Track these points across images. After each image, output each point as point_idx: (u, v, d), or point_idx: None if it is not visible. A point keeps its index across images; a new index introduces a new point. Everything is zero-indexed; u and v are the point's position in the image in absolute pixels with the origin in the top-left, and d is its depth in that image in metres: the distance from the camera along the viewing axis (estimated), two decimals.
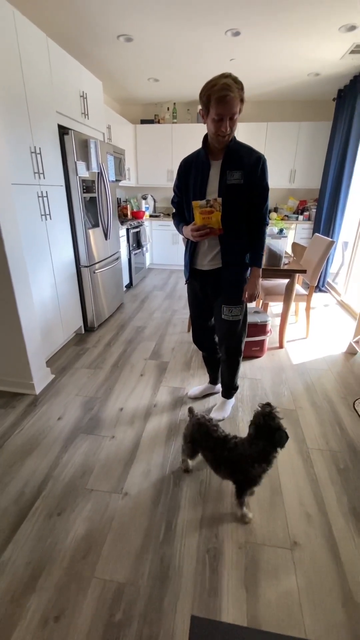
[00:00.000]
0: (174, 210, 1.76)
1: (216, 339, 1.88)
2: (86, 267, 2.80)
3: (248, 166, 1.45)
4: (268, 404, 1.21)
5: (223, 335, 1.75)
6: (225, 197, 1.45)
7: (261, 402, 1.29)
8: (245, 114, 4.86)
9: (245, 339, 1.79)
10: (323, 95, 4.51)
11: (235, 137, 1.47)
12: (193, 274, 1.71)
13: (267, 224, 1.60)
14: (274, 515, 1.35)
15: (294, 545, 1.23)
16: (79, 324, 2.93)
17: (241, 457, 1.24)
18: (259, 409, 1.21)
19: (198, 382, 2.25)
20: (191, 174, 1.55)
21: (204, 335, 1.91)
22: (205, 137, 1.50)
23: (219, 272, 1.62)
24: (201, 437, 1.36)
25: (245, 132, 4.67)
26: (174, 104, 4.89)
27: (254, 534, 1.27)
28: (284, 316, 2.69)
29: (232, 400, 2.00)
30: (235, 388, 1.94)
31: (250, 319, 2.45)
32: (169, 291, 4.26)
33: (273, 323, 3.15)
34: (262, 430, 1.18)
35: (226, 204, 1.46)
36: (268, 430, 1.16)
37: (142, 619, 1.02)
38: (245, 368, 2.43)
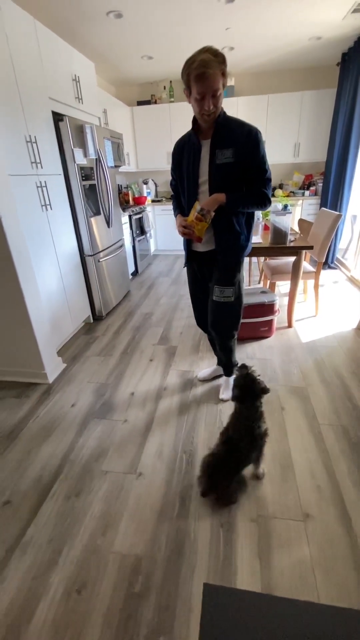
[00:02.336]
0: (172, 194, 1.73)
1: None
2: (90, 256, 2.80)
3: (239, 142, 1.37)
4: (243, 366, 1.33)
5: (213, 317, 1.72)
6: (215, 178, 1.42)
7: (250, 371, 1.33)
8: (245, 87, 4.67)
9: (254, 320, 1.78)
10: (326, 61, 4.28)
11: (224, 113, 1.40)
12: (191, 256, 1.70)
13: (268, 203, 1.49)
14: (286, 489, 1.36)
15: (306, 517, 1.25)
16: (87, 313, 2.96)
17: (252, 426, 1.28)
18: (237, 373, 1.34)
19: (207, 364, 2.26)
20: (184, 156, 1.51)
21: (205, 317, 1.89)
22: (195, 117, 1.43)
23: (213, 253, 1.60)
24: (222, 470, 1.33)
25: (245, 107, 4.50)
26: (170, 82, 4.73)
27: (266, 507, 1.30)
28: (291, 295, 2.65)
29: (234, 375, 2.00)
30: (235, 365, 1.94)
31: (258, 299, 2.42)
32: (174, 277, 4.24)
33: (281, 302, 3.11)
34: (246, 390, 1.27)
35: (217, 185, 1.43)
36: (250, 388, 1.27)
37: (160, 589, 1.06)
38: (254, 348, 2.42)
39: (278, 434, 1.64)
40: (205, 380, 2.11)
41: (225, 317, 1.71)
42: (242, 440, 1.27)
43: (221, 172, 1.42)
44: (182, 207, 1.63)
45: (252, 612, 0.66)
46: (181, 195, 1.61)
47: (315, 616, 0.65)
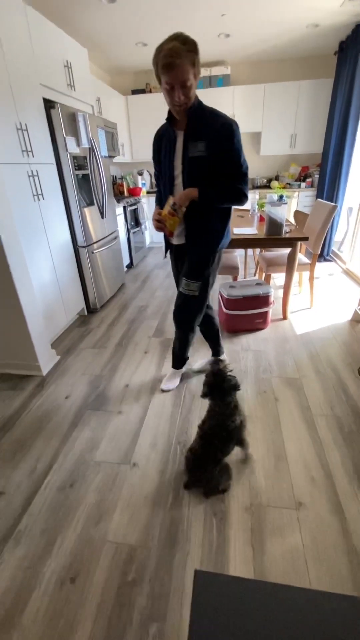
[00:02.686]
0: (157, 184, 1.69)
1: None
2: (84, 247, 2.77)
3: (212, 135, 1.32)
4: (216, 361, 1.28)
5: (177, 307, 1.73)
6: (188, 171, 1.40)
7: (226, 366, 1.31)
8: (241, 76, 4.60)
9: (249, 312, 1.78)
10: (323, 50, 4.22)
11: (199, 103, 1.35)
12: (169, 247, 1.72)
13: (244, 199, 1.43)
14: (279, 479, 1.37)
15: (299, 506, 1.26)
16: (82, 306, 2.93)
17: (226, 422, 1.26)
18: (208, 369, 1.29)
19: (202, 356, 2.26)
20: (162, 147, 1.48)
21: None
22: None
23: (186, 247, 1.60)
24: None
25: (241, 96, 4.44)
26: None
27: (260, 497, 1.30)
28: (286, 287, 2.64)
29: (183, 370, 2.02)
30: (185, 359, 1.96)
31: (253, 291, 2.42)
32: (170, 269, 4.20)
33: (276, 295, 3.11)
34: (214, 388, 1.24)
35: (190, 179, 1.40)
36: (219, 387, 1.23)
37: (154, 578, 1.07)
38: (249, 340, 2.42)
39: (272, 425, 1.65)
40: (200, 372, 2.10)
41: (188, 310, 1.70)
42: (216, 436, 1.25)
43: (194, 165, 1.38)
44: (161, 198, 1.61)
45: (244, 597, 0.66)
46: (159, 186, 1.60)
47: (309, 601, 0.66)
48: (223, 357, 2.11)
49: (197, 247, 1.56)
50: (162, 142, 1.47)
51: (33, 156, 2.15)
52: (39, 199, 2.23)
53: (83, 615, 0.99)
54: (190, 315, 1.72)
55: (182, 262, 1.68)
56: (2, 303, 1.95)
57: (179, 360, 1.96)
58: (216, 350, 2.08)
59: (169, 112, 1.40)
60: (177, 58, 1.16)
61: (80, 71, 2.82)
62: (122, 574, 1.08)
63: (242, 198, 1.43)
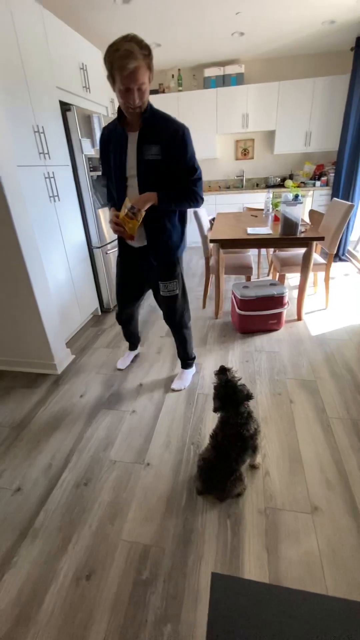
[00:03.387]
0: (104, 182, 1.65)
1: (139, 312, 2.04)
2: (98, 248, 2.80)
3: (165, 140, 1.34)
4: (222, 370, 1.23)
5: (166, 311, 1.79)
6: (143, 174, 1.41)
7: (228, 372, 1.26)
8: (255, 74, 4.56)
9: (262, 312, 1.77)
10: (340, 46, 4.14)
11: (151, 107, 1.35)
12: (126, 250, 1.68)
13: (201, 201, 1.49)
14: (294, 482, 1.36)
15: (315, 510, 1.24)
16: (95, 306, 2.96)
17: (242, 432, 1.23)
18: (215, 382, 1.23)
19: (214, 356, 2.25)
20: (110, 146, 1.46)
21: (129, 311, 1.97)
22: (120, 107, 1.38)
23: (147, 250, 1.59)
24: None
25: (255, 94, 4.39)
26: (179, 70, 4.64)
27: (274, 500, 1.29)
28: (301, 287, 2.61)
29: (193, 369, 2.06)
30: (192, 358, 2.02)
31: (267, 291, 2.39)
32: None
33: (290, 295, 3.07)
34: (227, 400, 1.20)
35: (145, 181, 1.42)
36: (232, 399, 1.19)
37: (168, 577, 1.07)
38: (263, 341, 2.40)
39: (287, 427, 1.63)
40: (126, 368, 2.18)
41: (176, 309, 1.78)
42: (232, 447, 1.22)
43: (149, 168, 1.39)
44: (114, 198, 1.57)
45: (261, 602, 0.66)
46: (110, 185, 1.57)
47: (326, 608, 0.64)
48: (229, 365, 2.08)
49: (161, 251, 1.59)
50: (111, 141, 1.45)
51: (49, 158, 2.19)
52: (55, 201, 2.26)
53: (98, 613, 1.00)
54: (179, 313, 1.80)
55: (146, 263, 1.66)
56: (20, 302, 1.99)
57: (187, 359, 2.00)
58: (134, 344, 2.22)
59: (119, 112, 1.38)
60: (134, 60, 1.14)
61: (95, 73, 2.85)
62: (137, 573, 1.09)
63: (198, 200, 1.49)
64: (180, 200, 1.46)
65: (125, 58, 1.13)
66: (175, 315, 1.80)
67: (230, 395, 1.19)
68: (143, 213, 1.41)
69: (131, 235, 1.45)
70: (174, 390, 1.94)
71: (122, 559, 1.13)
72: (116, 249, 3.04)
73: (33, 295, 1.94)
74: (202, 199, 1.50)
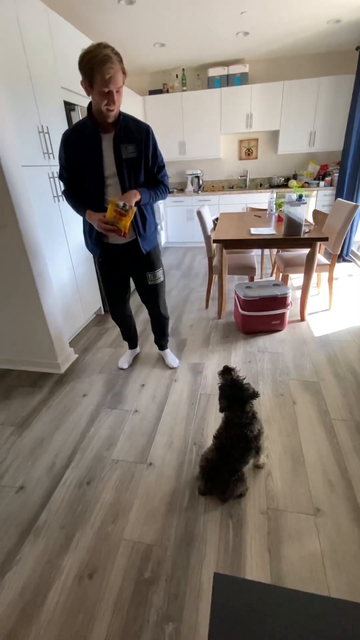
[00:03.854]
0: (63, 188, 1.66)
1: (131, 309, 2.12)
2: None
3: (139, 139, 1.49)
4: (226, 370, 1.25)
5: (152, 300, 1.92)
6: (124, 172, 1.52)
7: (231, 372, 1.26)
8: (259, 74, 4.54)
9: (265, 313, 1.83)
10: (345, 45, 4.12)
11: (120, 110, 1.45)
12: (104, 252, 1.73)
13: (168, 192, 1.69)
14: (297, 483, 1.35)
15: (317, 512, 1.24)
16: (98, 305, 2.97)
17: (245, 433, 1.23)
18: (220, 382, 1.23)
19: (217, 357, 2.25)
20: (81, 148, 1.50)
21: (123, 308, 2.03)
22: (90, 109, 1.45)
23: (132, 243, 1.69)
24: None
25: (259, 94, 4.38)
26: (183, 70, 4.63)
27: (277, 501, 1.29)
28: (305, 288, 2.60)
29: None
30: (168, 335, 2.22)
31: (270, 291, 2.39)
32: (185, 269, 4.22)
33: (294, 296, 3.06)
34: (234, 399, 1.20)
35: (126, 178, 1.53)
36: (238, 397, 1.20)
37: (170, 577, 1.07)
38: (266, 342, 2.40)
39: (289, 428, 1.63)
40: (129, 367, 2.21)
41: (160, 295, 1.93)
42: (235, 447, 1.23)
43: (129, 166, 1.52)
44: (81, 199, 1.61)
45: (263, 602, 0.66)
46: (80, 187, 1.59)
47: (328, 609, 0.64)
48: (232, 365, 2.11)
49: (148, 240, 1.73)
50: (80, 143, 1.49)
51: (54, 158, 2.19)
52: (59, 200, 2.27)
53: (100, 611, 1.00)
54: (162, 299, 1.98)
55: (126, 259, 1.76)
56: (24, 302, 2.00)
57: (166, 341, 2.22)
58: (135, 342, 2.28)
59: (90, 115, 1.45)
60: (113, 64, 1.26)
61: None
62: (139, 573, 1.09)
63: (167, 192, 1.70)
64: (156, 193, 1.63)
65: (106, 63, 1.25)
66: (160, 302, 1.95)
67: (236, 394, 1.19)
68: (135, 209, 1.48)
69: (124, 232, 1.49)
70: (172, 367, 2.16)
71: (124, 558, 1.14)
72: None
73: (37, 295, 1.95)
74: (169, 191, 1.64)
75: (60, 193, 2.27)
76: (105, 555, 1.15)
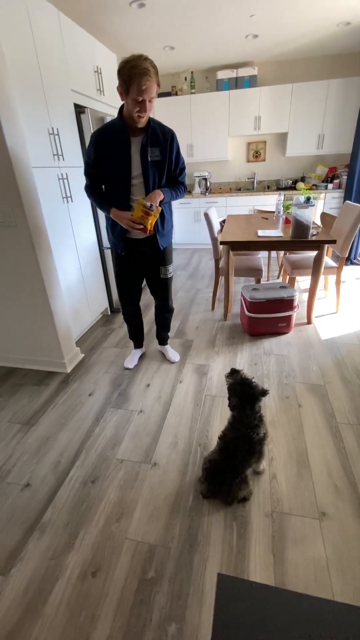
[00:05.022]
0: (88, 183, 1.73)
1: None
2: (109, 248, 2.81)
3: (164, 143, 1.60)
4: (234, 371, 1.25)
5: (162, 292, 2.04)
6: (149, 173, 1.62)
7: (238, 375, 1.26)
8: (268, 77, 4.55)
9: (272, 315, 1.89)
10: (355, 48, 4.10)
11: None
12: (127, 244, 1.81)
13: (185, 192, 1.81)
14: (301, 486, 1.34)
15: (322, 516, 1.23)
16: (105, 305, 2.99)
17: (250, 435, 1.23)
18: (229, 380, 1.24)
19: (223, 358, 2.25)
20: (110, 148, 1.59)
21: (136, 303, 2.10)
22: (121, 112, 1.56)
23: (151, 239, 1.78)
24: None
25: (267, 97, 4.38)
26: (192, 72, 4.66)
27: (281, 504, 1.28)
28: (312, 290, 2.58)
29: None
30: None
31: (277, 294, 2.38)
32: (191, 270, 4.22)
33: (301, 298, 3.05)
34: (244, 397, 1.20)
35: (150, 179, 1.63)
36: (248, 394, 1.20)
37: (173, 577, 1.07)
38: (272, 344, 2.39)
39: (295, 431, 1.62)
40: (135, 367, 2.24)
41: (170, 289, 2.06)
42: (239, 449, 1.23)
43: (153, 168, 1.63)
44: (106, 196, 1.72)
45: (267, 604, 0.66)
46: (106, 186, 1.71)
47: (332, 613, 0.64)
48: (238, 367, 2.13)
49: (165, 237, 1.83)
50: (111, 144, 1.59)
51: (63, 160, 2.22)
52: (68, 202, 2.29)
53: (104, 610, 1.01)
54: (170, 294, 2.10)
55: (142, 254, 1.85)
56: (32, 301, 2.02)
57: (167, 337, 2.32)
58: (142, 341, 2.31)
59: (121, 117, 1.56)
60: (150, 77, 1.38)
61: (110, 76, 2.88)
62: (142, 572, 1.09)
63: (185, 191, 1.81)
64: (176, 192, 1.74)
65: (144, 75, 1.37)
66: (169, 294, 2.07)
67: (246, 391, 1.19)
68: (160, 208, 1.60)
69: (150, 229, 1.62)
70: (174, 362, 2.24)
71: (127, 557, 1.14)
72: None
73: (45, 294, 1.97)
74: (187, 190, 1.83)
75: (68, 194, 2.30)
76: (109, 554, 1.15)
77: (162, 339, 2.31)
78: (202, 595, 1.02)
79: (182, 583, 1.06)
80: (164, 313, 2.17)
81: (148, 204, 1.54)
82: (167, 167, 1.66)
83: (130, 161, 1.60)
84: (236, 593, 0.69)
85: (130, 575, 1.09)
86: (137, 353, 2.30)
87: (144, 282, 2.04)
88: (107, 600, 1.03)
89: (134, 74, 1.37)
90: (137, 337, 2.26)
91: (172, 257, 1.97)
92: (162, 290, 2.04)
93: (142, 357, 2.34)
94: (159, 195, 1.62)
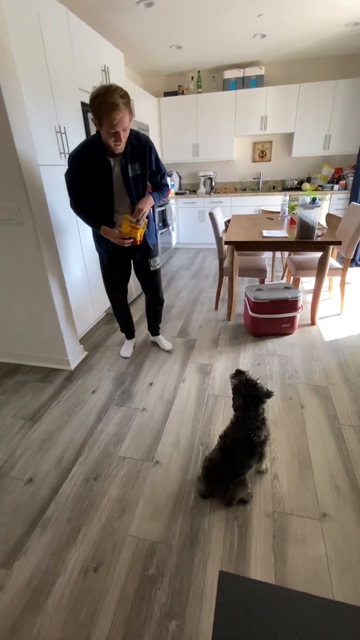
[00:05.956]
0: (73, 200, 1.75)
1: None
2: None
3: (142, 155, 1.66)
4: (239, 371, 1.25)
5: (153, 283, 2.14)
6: (132, 188, 1.71)
7: (242, 375, 1.26)
8: (275, 77, 4.53)
9: (275, 315, 2.02)
10: None
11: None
12: (115, 248, 1.88)
13: (169, 188, 1.93)
14: (303, 487, 1.35)
15: (323, 517, 1.23)
16: (109, 304, 2.99)
17: (251, 436, 1.23)
18: (234, 381, 1.24)
19: (226, 358, 2.25)
20: (91, 170, 1.63)
21: (123, 297, 2.23)
22: (98, 136, 1.59)
23: (144, 235, 1.87)
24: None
25: (274, 97, 4.37)
26: (199, 72, 4.65)
27: (282, 504, 1.28)
28: (316, 292, 2.58)
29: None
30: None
31: (281, 294, 2.38)
32: (195, 270, 4.23)
33: (305, 299, 3.04)
34: (249, 397, 1.20)
35: (134, 193, 1.73)
36: (254, 395, 1.19)
37: (174, 575, 1.08)
38: (275, 344, 2.39)
39: (297, 432, 1.62)
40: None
41: (159, 279, 2.18)
42: (239, 450, 1.22)
43: (135, 182, 1.71)
44: (98, 214, 1.77)
45: (268, 602, 0.66)
46: (89, 201, 1.74)
47: (333, 612, 0.65)
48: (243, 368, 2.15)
49: (151, 236, 1.96)
50: (90, 164, 1.62)
51: None
52: None
53: (105, 605, 1.02)
54: (160, 284, 2.22)
55: (132, 251, 1.95)
56: (37, 298, 2.03)
57: (159, 327, 2.44)
58: (133, 331, 2.44)
59: (99, 142, 1.58)
60: (119, 111, 1.39)
61: (117, 75, 2.89)
62: (143, 569, 1.10)
63: (167, 190, 1.90)
64: (161, 194, 1.86)
65: (112, 110, 1.37)
66: (159, 285, 2.18)
67: (251, 392, 1.19)
68: (147, 220, 1.74)
69: (141, 239, 1.75)
70: (169, 352, 2.36)
71: (129, 554, 1.15)
72: None
73: (50, 292, 1.98)
74: (169, 186, 1.92)
75: None
76: (111, 550, 1.16)
77: (155, 330, 2.43)
78: (203, 593, 1.03)
79: (182, 580, 1.06)
80: (155, 305, 2.29)
81: (134, 219, 1.66)
82: (148, 177, 1.75)
83: (111, 180, 1.66)
84: (237, 590, 0.69)
85: (132, 571, 1.10)
86: (131, 343, 2.44)
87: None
88: (108, 596, 1.04)
89: (104, 108, 1.38)
90: (128, 328, 2.40)
91: (158, 249, 2.11)
92: (153, 281, 2.15)
93: (144, 355, 2.34)
94: (150, 202, 1.73)
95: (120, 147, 1.56)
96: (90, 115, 1.49)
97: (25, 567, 1.12)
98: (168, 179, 5.19)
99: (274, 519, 1.23)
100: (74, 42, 2.22)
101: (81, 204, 1.76)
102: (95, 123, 1.49)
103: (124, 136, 1.51)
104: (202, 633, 0.94)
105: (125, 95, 1.42)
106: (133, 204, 1.75)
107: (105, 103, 1.37)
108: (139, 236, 1.70)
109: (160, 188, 1.85)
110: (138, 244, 1.75)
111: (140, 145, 1.64)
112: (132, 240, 1.72)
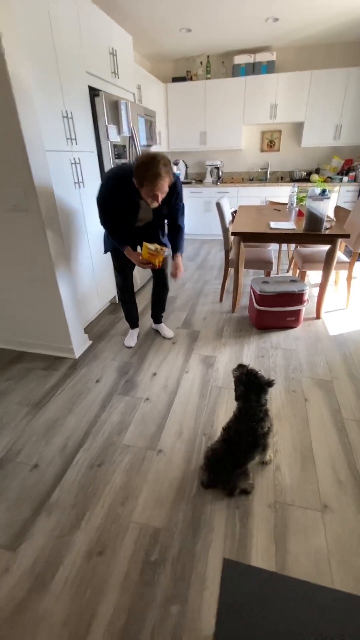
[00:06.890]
0: (104, 217, 1.85)
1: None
2: None
3: (169, 197, 1.78)
4: (241, 365, 1.26)
5: (162, 272, 2.20)
6: (155, 222, 1.96)
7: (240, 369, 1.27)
8: (286, 63, 4.41)
9: (281, 309, 1.97)
10: None
11: None
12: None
13: (184, 228, 2.05)
14: (305, 479, 1.36)
15: (324, 508, 1.24)
16: (113, 294, 2.99)
17: (255, 428, 1.24)
18: (236, 373, 1.26)
19: (229, 350, 2.25)
20: (120, 202, 1.77)
21: (131, 283, 2.27)
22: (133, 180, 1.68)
23: (151, 234, 2.02)
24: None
25: (286, 84, 4.26)
26: (208, 57, 4.53)
27: (284, 495, 1.30)
28: (322, 285, 2.56)
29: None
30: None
31: (286, 287, 2.36)
32: (200, 262, 4.20)
33: (310, 293, 3.02)
34: (250, 385, 1.21)
35: (156, 224, 1.98)
36: (255, 384, 1.21)
37: (176, 561, 1.10)
38: (280, 338, 2.38)
39: (300, 425, 1.62)
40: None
41: (168, 266, 2.19)
42: (242, 441, 1.23)
43: (158, 218, 1.95)
44: (123, 235, 1.90)
45: (270, 589, 0.67)
46: (121, 228, 1.89)
47: (333, 600, 0.66)
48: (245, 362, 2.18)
49: (164, 237, 2.10)
50: (122, 200, 1.76)
51: (76, 144, 2.19)
52: (79, 187, 2.28)
53: (108, 588, 1.04)
54: (167, 274, 2.26)
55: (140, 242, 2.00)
56: (42, 286, 2.03)
57: (162, 316, 2.51)
58: (137, 320, 2.47)
59: (133, 186, 1.68)
60: (162, 179, 1.57)
61: (125, 59, 2.82)
62: (146, 554, 1.12)
63: (183, 230, 2.06)
64: (182, 239, 2.06)
65: (156, 179, 1.56)
66: (167, 272, 2.22)
67: (252, 381, 1.20)
68: (165, 250, 1.86)
69: (159, 264, 1.90)
70: (171, 340, 2.41)
71: (132, 539, 1.17)
72: None
73: (55, 280, 1.98)
74: (184, 227, 2.07)
75: (80, 179, 2.27)
76: (114, 535, 1.18)
77: (158, 318, 2.49)
78: (204, 579, 1.05)
79: (184, 566, 1.08)
80: (161, 293, 2.34)
81: (152, 247, 1.80)
82: (168, 210, 1.90)
83: (137, 214, 1.84)
84: (241, 577, 0.71)
85: (135, 556, 1.12)
86: (135, 332, 2.46)
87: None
88: (112, 580, 1.06)
89: (147, 176, 1.55)
90: (133, 318, 2.42)
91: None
92: (160, 271, 2.21)
93: (148, 346, 2.35)
94: (180, 261, 2.05)
95: (156, 205, 1.70)
96: (134, 180, 1.64)
97: (31, 550, 1.15)
98: (175, 169, 5.13)
99: (276, 509, 1.25)
100: (82, 24, 2.16)
101: (110, 225, 1.89)
102: (136, 184, 1.63)
103: (162, 198, 1.66)
104: (203, 617, 0.96)
105: (167, 164, 1.57)
106: (154, 235, 1.99)
107: (149, 171, 1.54)
108: (157, 262, 1.86)
109: (178, 232, 2.01)
110: (157, 267, 1.92)
111: (170, 191, 1.74)
112: (151, 265, 1.88)
